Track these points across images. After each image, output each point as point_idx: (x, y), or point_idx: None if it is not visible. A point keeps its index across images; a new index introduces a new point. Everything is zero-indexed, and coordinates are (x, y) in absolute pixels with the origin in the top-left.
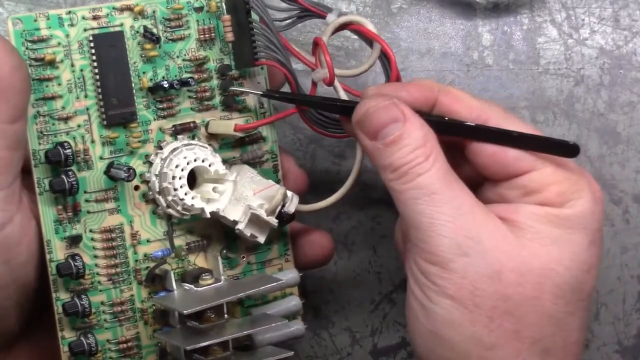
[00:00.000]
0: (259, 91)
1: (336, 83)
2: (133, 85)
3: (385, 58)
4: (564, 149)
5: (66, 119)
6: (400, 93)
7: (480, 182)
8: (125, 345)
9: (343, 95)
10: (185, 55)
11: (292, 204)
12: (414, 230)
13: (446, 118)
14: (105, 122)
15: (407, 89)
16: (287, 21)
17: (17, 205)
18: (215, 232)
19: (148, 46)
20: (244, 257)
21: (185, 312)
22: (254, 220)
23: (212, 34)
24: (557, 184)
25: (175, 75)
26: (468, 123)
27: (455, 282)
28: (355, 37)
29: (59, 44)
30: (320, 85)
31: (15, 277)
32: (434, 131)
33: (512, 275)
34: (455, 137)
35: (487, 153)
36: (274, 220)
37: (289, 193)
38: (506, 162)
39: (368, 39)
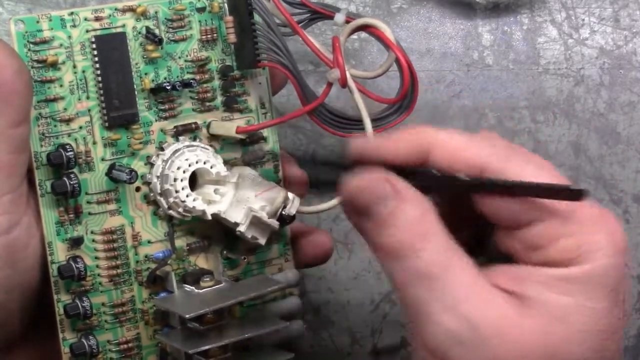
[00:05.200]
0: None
1: (351, 84)
2: (135, 86)
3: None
4: (569, 194)
5: (68, 121)
6: (388, 152)
7: (488, 232)
8: (125, 346)
9: (358, 96)
10: (187, 56)
11: (293, 206)
12: (411, 315)
13: (435, 172)
14: (107, 124)
15: (395, 146)
16: (300, 25)
17: (25, 208)
18: (216, 232)
19: (150, 47)
20: (244, 259)
21: (187, 316)
22: (255, 222)
23: (215, 35)
24: (565, 238)
25: (177, 76)
26: (462, 177)
27: None
28: (356, 36)
29: (61, 45)
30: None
31: (21, 280)
32: (423, 190)
33: None
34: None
35: (486, 204)
36: (275, 223)
37: (290, 195)
38: (505, 213)
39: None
